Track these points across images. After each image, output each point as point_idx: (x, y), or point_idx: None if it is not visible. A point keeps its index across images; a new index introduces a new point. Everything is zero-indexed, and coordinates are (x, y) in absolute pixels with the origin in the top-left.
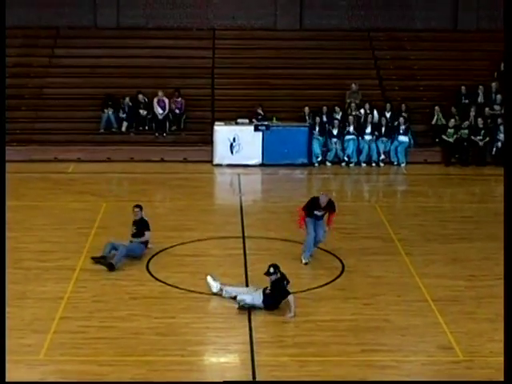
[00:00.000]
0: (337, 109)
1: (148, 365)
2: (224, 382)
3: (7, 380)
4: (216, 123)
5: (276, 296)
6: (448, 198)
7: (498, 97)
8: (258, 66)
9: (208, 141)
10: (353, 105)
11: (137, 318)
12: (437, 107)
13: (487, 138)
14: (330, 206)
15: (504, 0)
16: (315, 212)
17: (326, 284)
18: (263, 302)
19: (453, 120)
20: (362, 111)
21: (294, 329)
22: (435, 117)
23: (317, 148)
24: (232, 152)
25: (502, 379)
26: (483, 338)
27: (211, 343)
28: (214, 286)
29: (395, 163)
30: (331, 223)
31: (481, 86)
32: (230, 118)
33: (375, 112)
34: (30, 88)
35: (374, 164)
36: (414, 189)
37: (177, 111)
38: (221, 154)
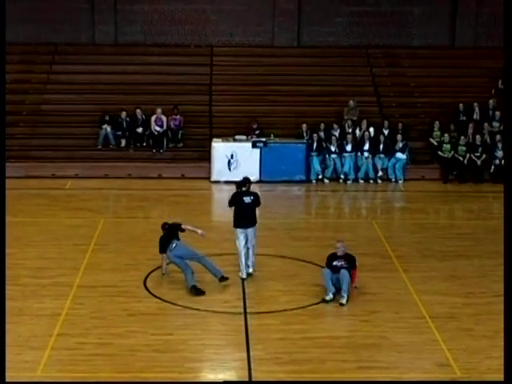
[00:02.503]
0: (335, 126)
1: (145, 382)
2: (224, 382)
3: None
4: (214, 140)
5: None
6: (446, 215)
7: (497, 113)
8: (256, 82)
9: (206, 157)
10: (349, 122)
11: (134, 335)
12: (437, 122)
13: (484, 156)
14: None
15: (504, 11)
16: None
17: (324, 301)
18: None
19: (447, 135)
20: (358, 131)
21: (290, 345)
22: (434, 133)
23: (317, 164)
24: (230, 169)
25: None
26: (481, 355)
27: (208, 360)
28: None
29: (393, 180)
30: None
31: (475, 103)
32: (228, 135)
33: (371, 129)
34: (27, 104)
35: (371, 181)
36: (411, 205)
37: (174, 128)
38: (218, 170)
